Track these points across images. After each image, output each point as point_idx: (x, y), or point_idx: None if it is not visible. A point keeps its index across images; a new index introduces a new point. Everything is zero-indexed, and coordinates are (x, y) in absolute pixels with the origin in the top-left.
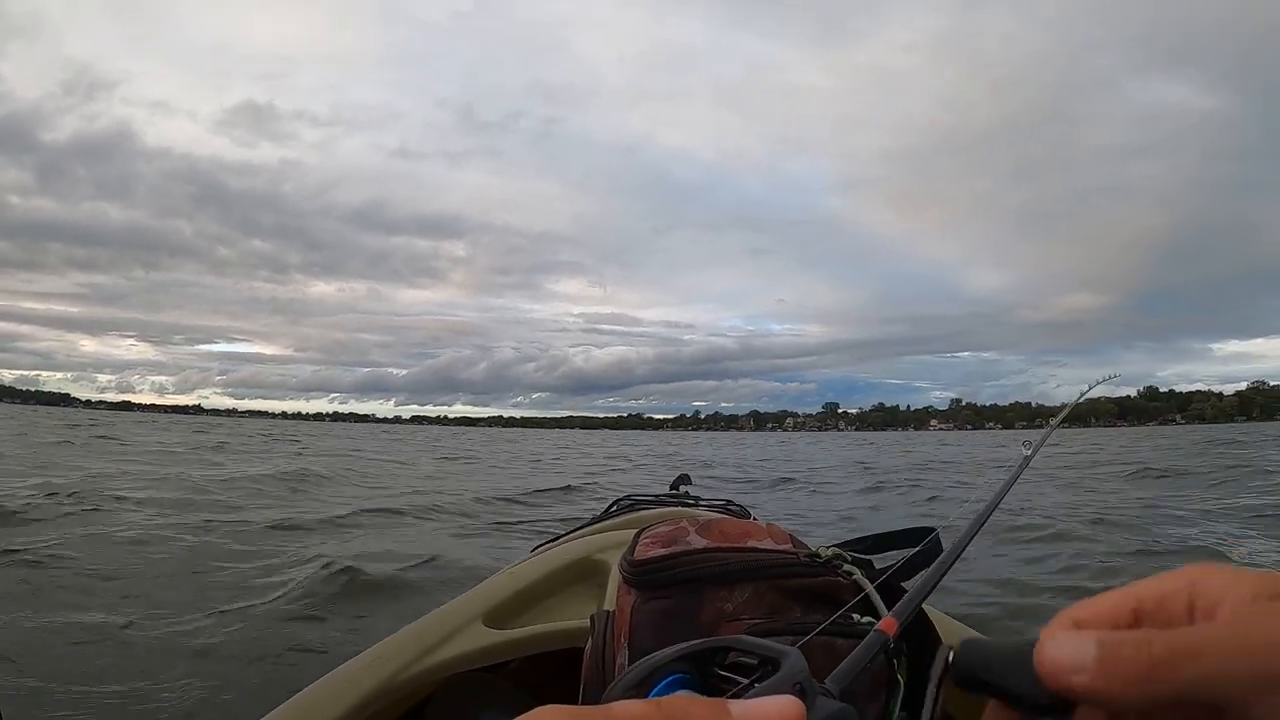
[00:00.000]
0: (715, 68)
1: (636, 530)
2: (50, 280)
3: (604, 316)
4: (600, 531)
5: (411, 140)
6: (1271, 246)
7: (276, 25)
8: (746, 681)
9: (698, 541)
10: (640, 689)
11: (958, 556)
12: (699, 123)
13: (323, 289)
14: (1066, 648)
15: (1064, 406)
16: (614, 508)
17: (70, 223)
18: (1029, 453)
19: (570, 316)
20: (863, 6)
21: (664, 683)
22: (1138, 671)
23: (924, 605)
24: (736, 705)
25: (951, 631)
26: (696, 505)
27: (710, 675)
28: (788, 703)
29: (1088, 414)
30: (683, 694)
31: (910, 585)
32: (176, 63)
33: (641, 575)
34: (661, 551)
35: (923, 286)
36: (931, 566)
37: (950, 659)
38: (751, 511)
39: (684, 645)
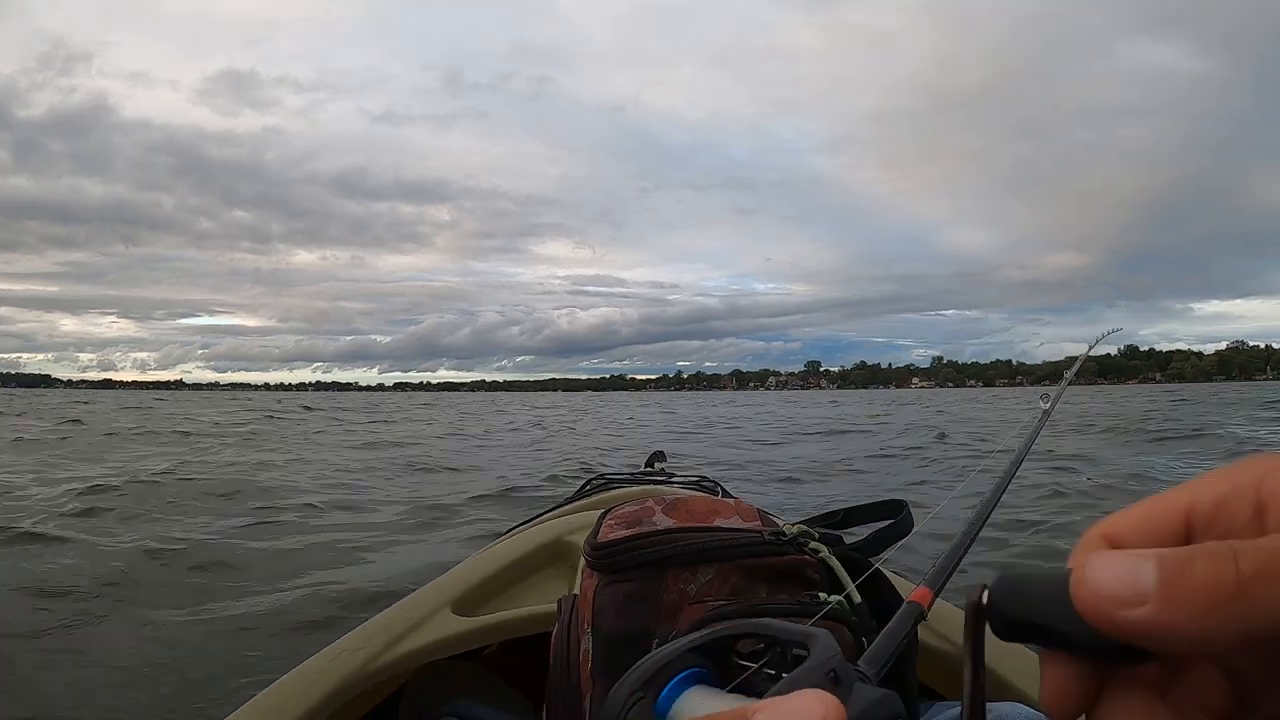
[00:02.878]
0: (704, 27)
1: (602, 511)
2: (28, 260)
3: (589, 278)
4: (572, 512)
5: (397, 104)
6: (1255, 208)
7: None
8: (773, 673)
9: (663, 521)
10: (650, 686)
11: (987, 518)
12: (687, 83)
13: (305, 258)
14: (1115, 570)
15: (1066, 361)
16: (587, 487)
17: (48, 200)
18: (1047, 405)
19: (555, 279)
20: None
21: (677, 679)
22: (1222, 597)
23: (882, 569)
24: (762, 711)
25: (936, 615)
26: (670, 482)
27: (730, 666)
28: (816, 701)
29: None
30: (698, 690)
31: (936, 547)
32: (155, 31)
33: (603, 558)
34: (624, 533)
35: (909, 246)
36: (960, 533)
37: (984, 600)
38: (723, 487)
39: (696, 636)
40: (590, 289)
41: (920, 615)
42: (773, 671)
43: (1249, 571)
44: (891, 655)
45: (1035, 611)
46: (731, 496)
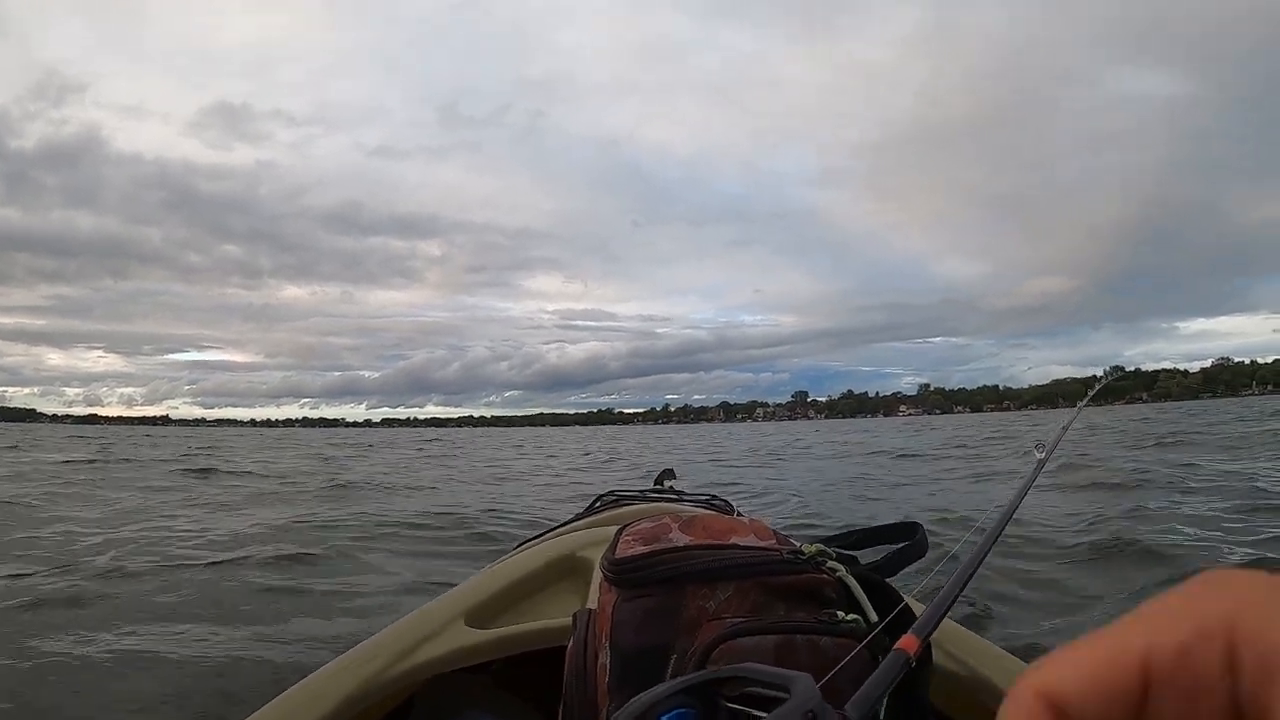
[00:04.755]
0: (696, 61)
1: (619, 527)
2: (16, 293)
3: (578, 313)
4: (583, 528)
5: (392, 138)
6: (1237, 228)
7: (253, 22)
8: (756, 713)
9: (680, 539)
10: None
11: (975, 571)
12: (680, 116)
13: (295, 293)
14: None
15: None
16: (598, 503)
17: (38, 233)
18: (1042, 455)
19: (545, 313)
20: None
21: (664, 718)
22: None
23: (897, 589)
24: None
25: (949, 636)
26: (681, 500)
27: (717, 708)
28: None
29: (1055, 396)
30: None
31: (926, 595)
32: (149, 63)
33: (622, 573)
34: (642, 549)
35: (898, 276)
36: (950, 581)
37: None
38: (734, 506)
39: (686, 678)
40: (580, 323)
41: (907, 662)
42: (760, 714)
43: None
44: (876, 700)
45: None
46: (743, 515)
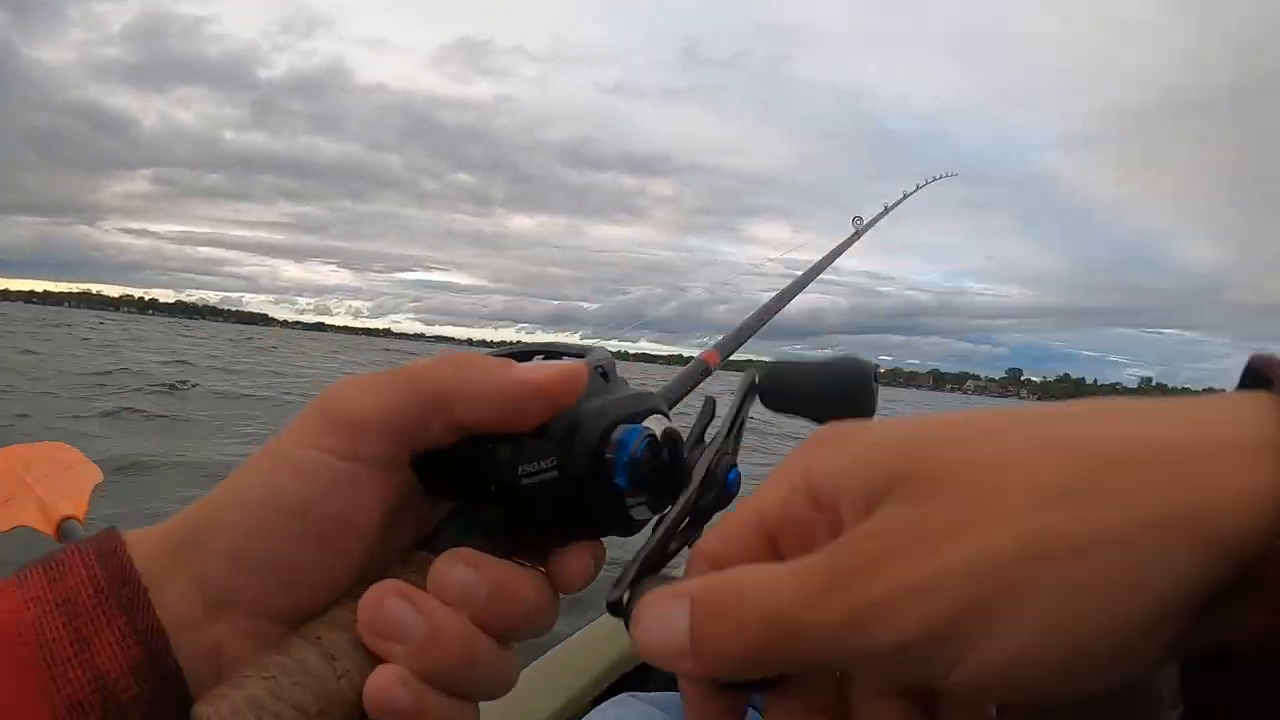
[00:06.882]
0: (941, 12)
1: None
2: (258, 210)
3: (801, 263)
4: None
5: (630, 77)
6: None
7: None
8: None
9: None
10: None
11: None
12: (921, 70)
13: (523, 223)
14: (655, 624)
15: None
16: None
17: (282, 155)
18: None
19: (768, 262)
20: None
21: None
22: (737, 655)
23: None
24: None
25: None
26: None
27: None
28: (574, 364)
29: None
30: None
31: None
32: (394, 0)
33: None
34: None
35: (1134, 254)
36: None
37: (755, 382)
38: None
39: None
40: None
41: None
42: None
43: (751, 630)
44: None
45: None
46: None
